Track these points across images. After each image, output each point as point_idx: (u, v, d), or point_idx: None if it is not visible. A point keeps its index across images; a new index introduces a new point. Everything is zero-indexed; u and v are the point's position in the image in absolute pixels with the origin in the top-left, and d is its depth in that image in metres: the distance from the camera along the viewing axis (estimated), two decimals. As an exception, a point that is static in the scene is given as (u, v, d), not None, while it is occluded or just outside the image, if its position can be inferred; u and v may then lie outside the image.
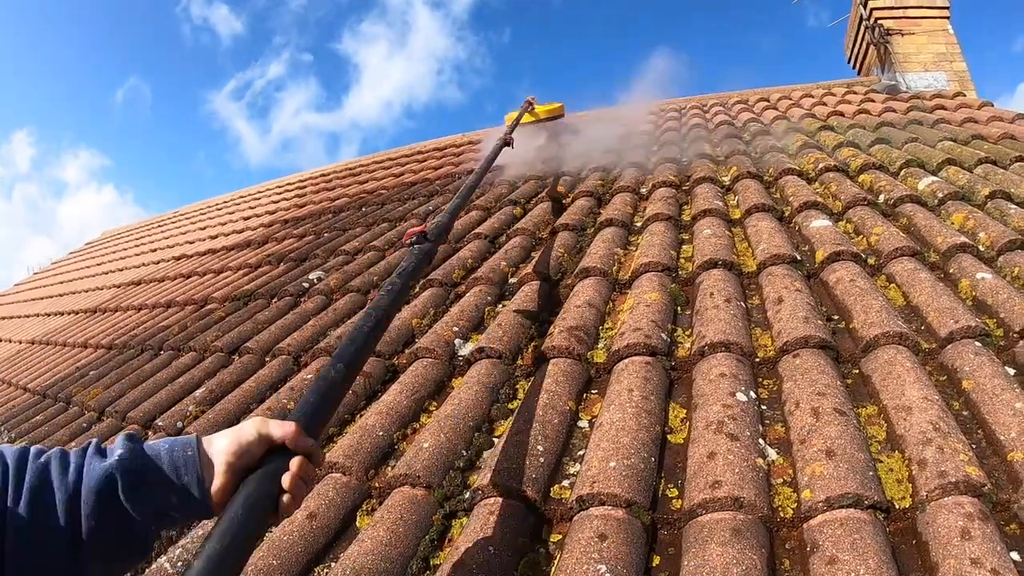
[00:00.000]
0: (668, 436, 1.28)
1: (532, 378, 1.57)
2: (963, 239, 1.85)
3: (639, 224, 2.52)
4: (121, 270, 5.77)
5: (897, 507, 1.00)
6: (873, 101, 4.18)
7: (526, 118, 4.13)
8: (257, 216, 5.52)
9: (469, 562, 0.99)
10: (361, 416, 1.61)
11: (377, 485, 1.31)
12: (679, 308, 1.80)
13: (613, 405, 1.32)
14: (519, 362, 1.68)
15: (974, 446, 1.09)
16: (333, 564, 1.11)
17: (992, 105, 3.91)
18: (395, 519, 1.14)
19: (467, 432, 1.39)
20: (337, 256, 3.23)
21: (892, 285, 1.74)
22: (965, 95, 4.31)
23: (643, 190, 2.96)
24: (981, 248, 1.83)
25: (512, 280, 2.25)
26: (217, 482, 0.67)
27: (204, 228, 6.09)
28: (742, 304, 1.71)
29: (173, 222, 7.41)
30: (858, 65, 5.41)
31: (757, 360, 1.48)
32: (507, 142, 3.05)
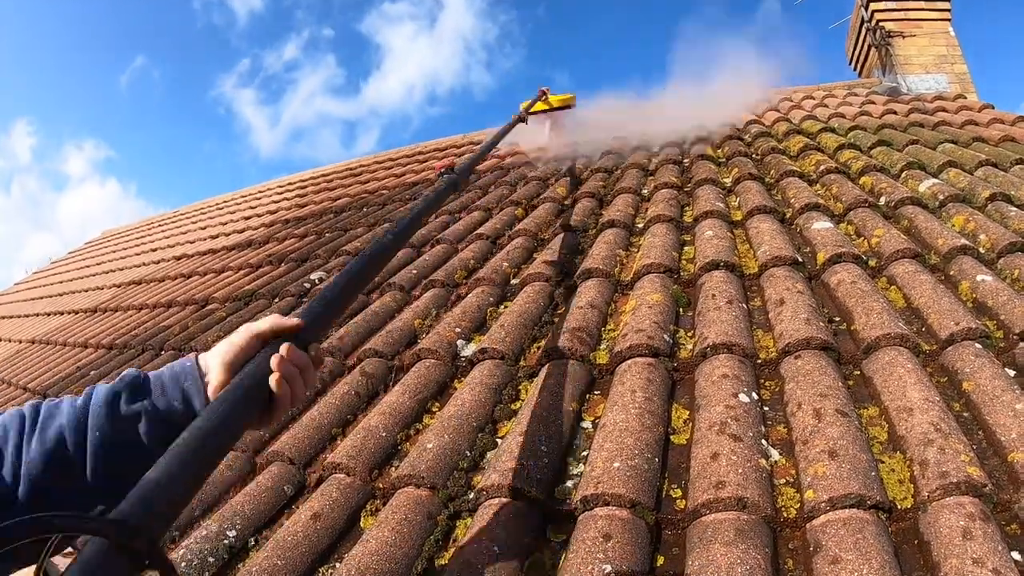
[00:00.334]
0: (671, 437, 1.29)
1: (535, 379, 1.57)
2: (964, 241, 1.86)
3: (641, 225, 2.52)
4: (121, 270, 5.78)
5: (899, 507, 1.00)
6: (874, 103, 4.19)
7: (539, 106, 4.32)
8: (258, 216, 5.52)
9: (474, 562, 1.00)
10: (364, 417, 1.62)
11: (381, 486, 1.32)
12: (681, 309, 1.81)
13: (616, 406, 1.32)
14: (522, 363, 1.69)
15: (975, 447, 1.10)
16: (338, 564, 1.11)
17: (993, 107, 3.92)
18: (399, 519, 1.14)
19: (470, 433, 1.39)
20: (339, 256, 3.23)
21: (893, 287, 1.75)
22: (966, 97, 4.32)
23: (645, 191, 2.97)
24: (981, 250, 1.84)
25: (514, 281, 2.25)
26: (215, 381, 0.71)
27: (204, 228, 6.09)
28: (744, 306, 1.72)
29: (173, 222, 7.41)
30: (859, 67, 5.42)
31: (759, 361, 1.49)
32: (522, 118, 3.42)
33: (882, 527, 0.95)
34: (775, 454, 1.18)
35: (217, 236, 5.35)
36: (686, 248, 2.23)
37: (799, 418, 1.21)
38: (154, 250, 6.06)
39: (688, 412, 1.36)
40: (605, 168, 3.55)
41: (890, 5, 4.83)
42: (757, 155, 3.26)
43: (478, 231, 2.83)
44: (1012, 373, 1.30)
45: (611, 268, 2.08)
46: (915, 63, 4.70)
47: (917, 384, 1.23)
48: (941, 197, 2.27)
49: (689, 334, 1.67)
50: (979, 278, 1.65)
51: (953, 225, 2.07)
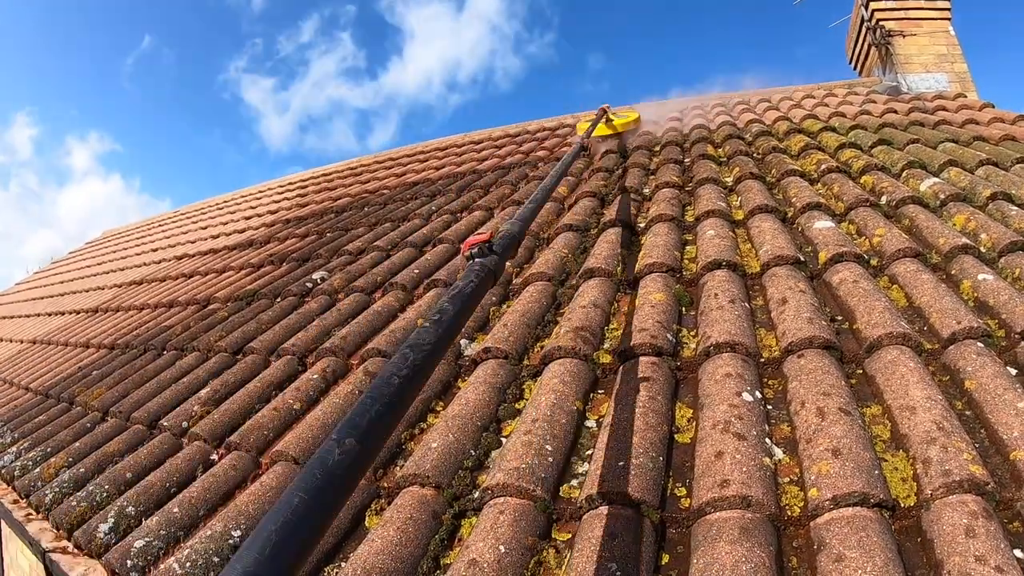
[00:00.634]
0: (675, 436, 1.29)
1: (538, 378, 1.58)
2: (965, 240, 1.86)
3: (643, 225, 2.53)
4: (122, 269, 5.78)
5: (902, 505, 1.01)
6: (875, 102, 4.19)
7: (601, 129, 3.97)
8: (259, 216, 5.53)
9: (480, 561, 1.00)
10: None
11: (386, 485, 1.33)
12: (684, 309, 1.82)
13: (620, 405, 1.33)
14: (525, 362, 1.69)
15: (977, 445, 1.10)
16: (343, 564, 1.12)
17: (993, 106, 3.93)
18: (405, 519, 1.15)
19: (475, 432, 1.40)
20: (340, 256, 3.24)
21: (895, 286, 1.75)
22: (966, 96, 4.32)
23: (646, 190, 2.97)
24: (982, 249, 1.85)
25: (516, 280, 2.26)
26: None
27: (205, 228, 6.10)
28: (746, 305, 1.72)
29: (174, 221, 7.42)
30: (859, 66, 5.43)
31: (762, 360, 1.49)
32: (584, 147, 3.18)
33: (885, 525, 0.96)
34: (779, 452, 1.18)
35: (218, 236, 5.35)
36: (688, 247, 2.24)
37: (802, 417, 1.22)
38: (155, 250, 6.07)
39: (692, 411, 1.36)
40: (606, 168, 3.55)
41: (890, 4, 4.83)
42: (758, 154, 3.27)
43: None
44: (1014, 372, 1.30)
45: (613, 267, 2.09)
46: (915, 62, 4.70)
47: (919, 383, 1.24)
48: (942, 196, 2.27)
49: (692, 333, 1.67)
50: (980, 277, 1.66)
51: (954, 224, 2.08)
